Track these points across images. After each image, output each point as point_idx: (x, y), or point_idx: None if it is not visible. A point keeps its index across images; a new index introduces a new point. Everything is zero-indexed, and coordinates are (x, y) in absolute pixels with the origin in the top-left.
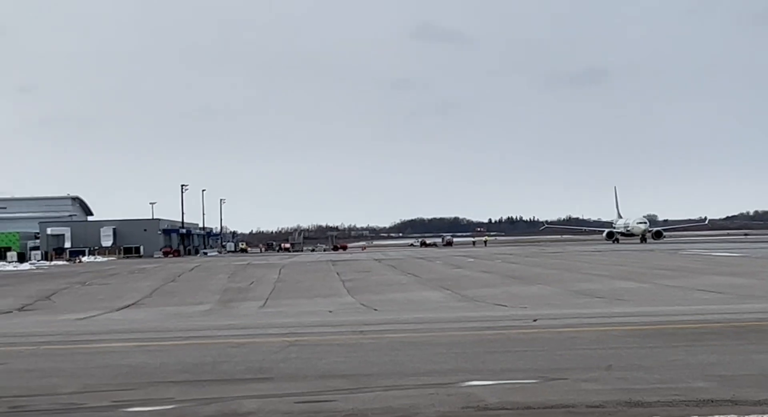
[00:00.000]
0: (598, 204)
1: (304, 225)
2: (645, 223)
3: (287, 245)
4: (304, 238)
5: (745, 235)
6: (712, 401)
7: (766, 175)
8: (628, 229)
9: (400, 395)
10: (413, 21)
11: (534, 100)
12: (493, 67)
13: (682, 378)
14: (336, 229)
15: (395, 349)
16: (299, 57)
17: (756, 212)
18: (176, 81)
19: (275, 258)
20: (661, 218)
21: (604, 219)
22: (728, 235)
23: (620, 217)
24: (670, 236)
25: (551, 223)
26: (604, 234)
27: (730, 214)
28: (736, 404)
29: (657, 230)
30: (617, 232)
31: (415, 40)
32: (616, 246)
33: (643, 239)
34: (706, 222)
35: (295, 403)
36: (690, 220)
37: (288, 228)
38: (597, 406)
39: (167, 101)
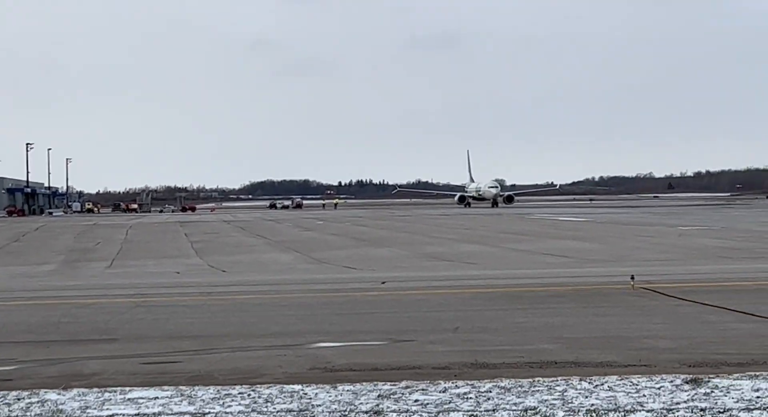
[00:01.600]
0: (449, 168)
1: (153, 185)
2: (496, 187)
3: (135, 206)
4: (152, 199)
5: (591, 200)
6: (556, 363)
7: (609, 142)
8: (480, 193)
9: (248, 356)
10: None
11: (389, 63)
12: (352, 29)
13: (527, 340)
14: (185, 190)
15: (243, 311)
16: (158, 16)
17: (601, 178)
18: (16, 32)
19: (122, 219)
20: (509, 183)
21: (453, 183)
22: (574, 200)
23: (473, 181)
24: (521, 200)
25: (403, 186)
26: (456, 198)
27: (576, 180)
28: (579, 365)
29: (508, 194)
30: (469, 196)
31: (274, 0)
32: (465, 210)
33: (495, 203)
34: (558, 187)
35: (141, 364)
36: (538, 185)
37: (136, 188)
38: (443, 368)
39: (11, 55)
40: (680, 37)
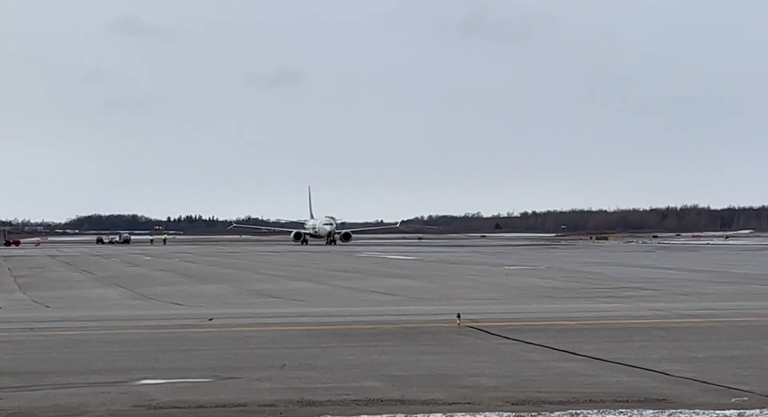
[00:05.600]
0: (282, 205)
1: None
2: (331, 224)
3: None
4: None
5: (419, 239)
6: (382, 400)
7: (439, 182)
8: (316, 230)
9: (71, 393)
10: (111, 14)
11: (224, 99)
12: (191, 64)
13: (354, 378)
14: (9, 223)
15: (66, 347)
16: None
17: (430, 217)
18: None
19: None
20: (342, 221)
21: (284, 219)
22: (404, 238)
23: (313, 217)
24: (358, 238)
25: (238, 222)
26: (292, 234)
27: (406, 218)
28: (405, 403)
29: (346, 232)
30: (306, 233)
31: (111, 34)
32: (295, 247)
33: (333, 241)
34: (398, 225)
35: None
36: (368, 223)
37: None
38: (269, 405)
39: None
40: (521, 82)
